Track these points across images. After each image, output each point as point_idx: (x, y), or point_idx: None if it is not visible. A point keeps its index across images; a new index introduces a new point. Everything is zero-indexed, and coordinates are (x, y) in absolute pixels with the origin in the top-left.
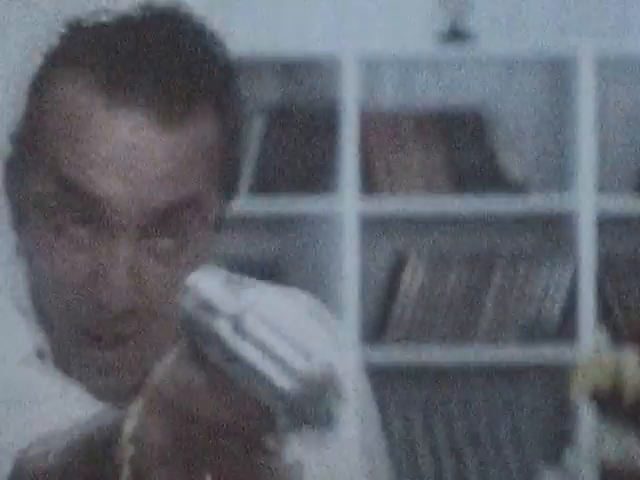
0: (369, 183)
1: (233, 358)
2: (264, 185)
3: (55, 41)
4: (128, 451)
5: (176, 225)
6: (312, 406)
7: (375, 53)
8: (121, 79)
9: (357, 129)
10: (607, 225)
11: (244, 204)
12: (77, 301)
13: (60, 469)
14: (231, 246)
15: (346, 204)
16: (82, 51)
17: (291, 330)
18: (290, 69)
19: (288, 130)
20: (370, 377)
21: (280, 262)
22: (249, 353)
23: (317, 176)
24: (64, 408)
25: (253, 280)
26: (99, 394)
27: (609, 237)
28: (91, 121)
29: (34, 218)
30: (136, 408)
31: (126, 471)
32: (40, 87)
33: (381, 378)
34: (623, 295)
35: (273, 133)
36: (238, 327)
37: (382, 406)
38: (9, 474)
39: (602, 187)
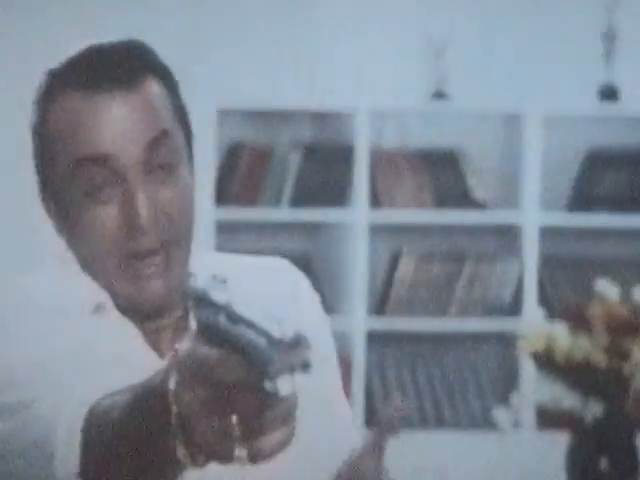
0: (375, 200)
1: (231, 337)
2: (299, 200)
3: (52, 66)
4: (174, 407)
5: (165, 155)
6: (289, 358)
7: (381, 107)
8: (93, 81)
9: (367, 162)
10: (546, 233)
11: (285, 214)
12: (116, 240)
13: (122, 421)
14: (275, 245)
15: (358, 216)
16: (62, 75)
17: (266, 304)
18: (320, 117)
19: (318, 161)
20: (373, 340)
21: (310, 257)
22: (241, 332)
23: (338, 194)
24: (127, 353)
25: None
26: (151, 298)
27: (547, 242)
28: (82, 112)
29: (69, 201)
30: (174, 377)
31: (175, 422)
32: (44, 99)
33: (381, 341)
34: (556, 285)
35: (307, 163)
36: (229, 316)
37: (380, 361)
38: (82, 425)
39: (542, 206)
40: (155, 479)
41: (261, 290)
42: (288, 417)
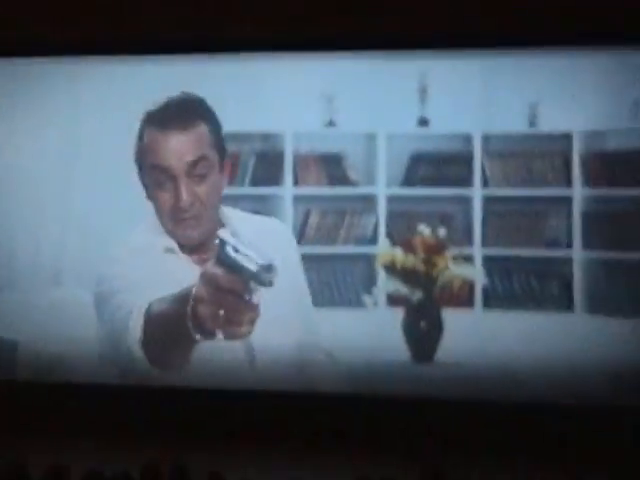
0: (296, 182)
1: (234, 263)
2: (255, 183)
3: (144, 112)
4: (191, 302)
5: (201, 169)
6: (264, 277)
7: (299, 130)
8: (167, 124)
9: (291, 161)
10: (389, 199)
11: (248, 190)
12: (169, 210)
13: (165, 312)
14: (242, 208)
15: (287, 191)
16: (152, 116)
17: (258, 247)
18: (265, 137)
19: (264, 162)
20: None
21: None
22: (240, 260)
23: (275, 179)
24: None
25: (250, 215)
26: (191, 240)
27: (390, 204)
28: (158, 140)
29: (152, 190)
30: (195, 287)
31: (190, 312)
32: (142, 128)
33: (303, 258)
34: (396, 227)
35: (258, 163)
36: (235, 249)
37: (307, 270)
38: (144, 317)
39: (388, 183)
40: (180, 349)
41: (260, 231)
42: (253, 319)
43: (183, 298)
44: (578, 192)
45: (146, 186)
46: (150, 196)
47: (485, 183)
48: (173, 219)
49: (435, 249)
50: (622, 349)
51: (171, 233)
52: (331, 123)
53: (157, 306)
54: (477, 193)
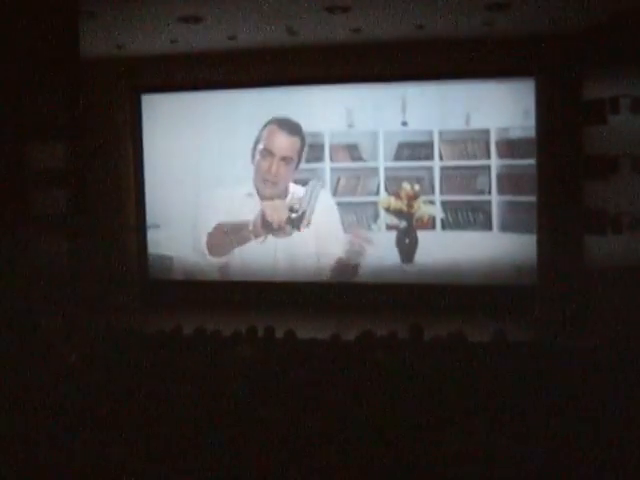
0: (332, 160)
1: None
2: (307, 161)
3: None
4: (250, 226)
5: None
6: (298, 223)
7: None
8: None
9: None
10: (386, 169)
11: (304, 166)
12: (259, 174)
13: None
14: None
15: (326, 165)
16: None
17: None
18: (314, 134)
19: (312, 149)
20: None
21: None
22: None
23: (319, 158)
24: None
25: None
26: (269, 194)
27: (386, 172)
28: (273, 137)
29: (255, 160)
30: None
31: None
32: (257, 138)
33: (337, 204)
34: (389, 185)
35: (310, 151)
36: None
37: (340, 210)
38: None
39: (385, 160)
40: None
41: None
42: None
43: (243, 223)
44: (494, 162)
45: (253, 157)
46: (253, 163)
47: (440, 158)
48: (258, 180)
49: (412, 197)
50: (521, 253)
51: (256, 186)
52: (350, 125)
53: (220, 228)
54: (436, 164)
